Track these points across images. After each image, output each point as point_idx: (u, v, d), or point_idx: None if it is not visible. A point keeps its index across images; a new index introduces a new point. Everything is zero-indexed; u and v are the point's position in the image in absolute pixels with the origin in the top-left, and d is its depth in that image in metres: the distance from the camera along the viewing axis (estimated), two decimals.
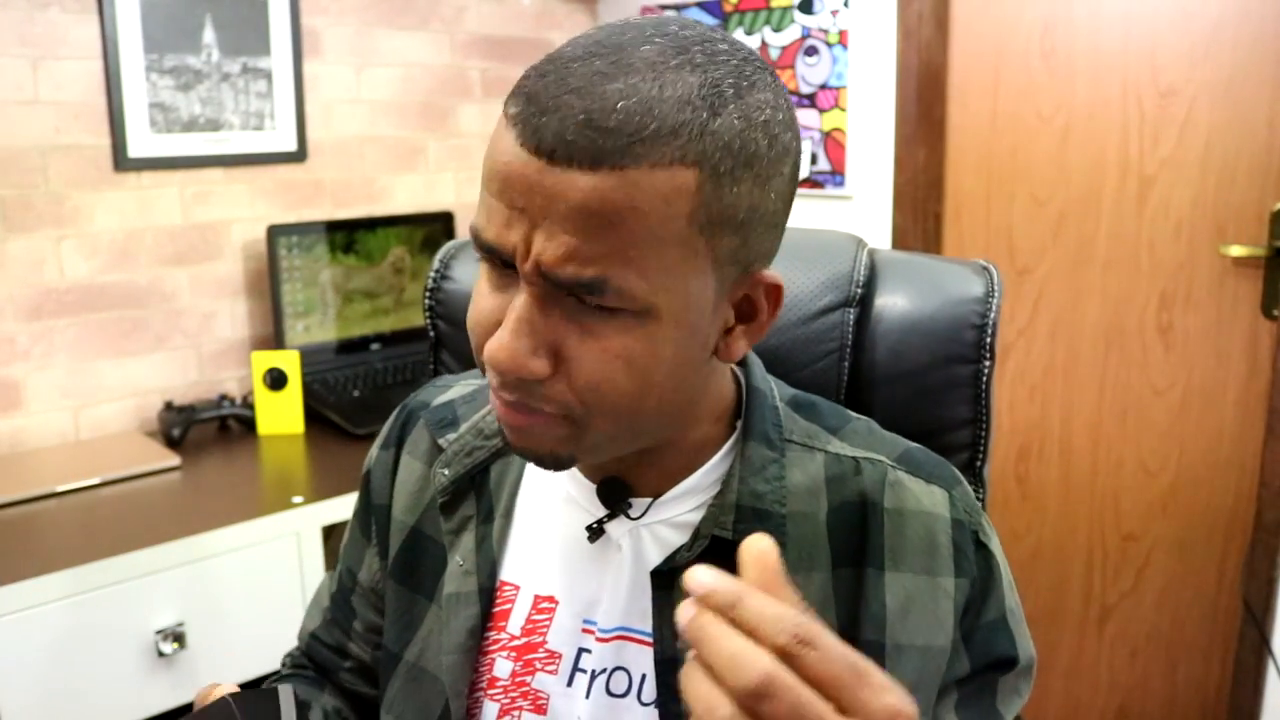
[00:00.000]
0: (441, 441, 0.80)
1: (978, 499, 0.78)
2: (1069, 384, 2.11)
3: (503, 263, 0.59)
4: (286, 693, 0.65)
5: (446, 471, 0.78)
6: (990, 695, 0.68)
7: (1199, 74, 1.88)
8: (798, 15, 2.25)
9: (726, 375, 0.71)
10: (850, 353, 0.87)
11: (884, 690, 0.41)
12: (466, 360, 1.01)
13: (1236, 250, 1.87)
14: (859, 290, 0.87)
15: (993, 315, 0.84)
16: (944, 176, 2.19)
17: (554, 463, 0.63)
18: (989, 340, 0.84)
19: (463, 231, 2.39)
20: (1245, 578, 1.91)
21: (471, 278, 1.00)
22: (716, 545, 0.67)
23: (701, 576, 0.43)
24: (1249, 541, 1.91)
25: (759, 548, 0.45)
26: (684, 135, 0.54)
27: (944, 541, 0.67)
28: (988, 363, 0.84)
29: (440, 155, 2.38)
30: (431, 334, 1.03)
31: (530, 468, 0.77)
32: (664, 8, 2.49)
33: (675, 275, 0.57)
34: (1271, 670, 1.85)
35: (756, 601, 0.42)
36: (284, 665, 0.94)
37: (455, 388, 0.85)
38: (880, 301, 0.88)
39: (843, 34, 2.20)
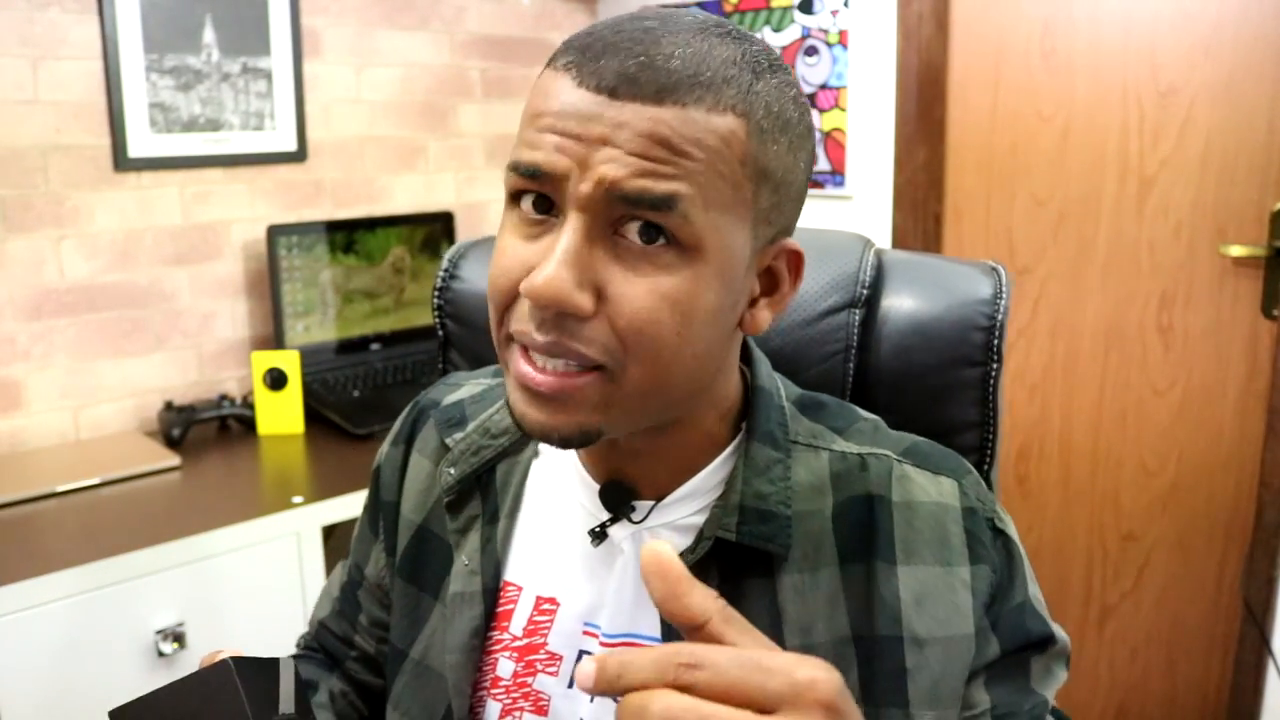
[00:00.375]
0: (449, 441, 0.80)
1: None
2: (1069, 384, 2.11)
3: (539, 205, 0.59)
4: (288, 664, 0.64)
5: (453, 471, 0.78)
6: (1023, 674, 0.68)
7: (1199, 74, 1.88)
8: (798, 15, 2.25)
9: (735, 372, 0.71)
10: (856, 354, 0.86)
11: (792, 669, 0.41)
12: (474, 360, 1.01)
13: (1236, 250, 1.87)
14: (865, 291, 0.86)
15: (1000, 317, 0.83)
16: (944, 176, 2.19)
17: (581, 438, 0.61)
18: (997, 342, 0.83)
19: (463, 231, 2.39)
20: (1245, 578, 1.91)
21: (480, 278, 1.00)
22: (720, 547, 0.66)
23: (584, 669, 0.43)
24: (1249, 541, 1.91)
25: (655, 558, 0.44)
26: (734, 87, 0.57)
27: (955, 530, 0.66)
28: (995, 365, 0.83)
29: (440, 155, 2.38)
30: (440, 333, 1.03)
31: (536, 468, 0.77)
32: (664, 7, 2.49)
33: (726, 215, 0.58)
34: (1271, 670, 1.85)
35: (632, 659, 0.42)
36: (297, 647, 0.96)
37: (466, 386, 0.85)
38: (887, 302, 0.86)
39: (843, 34, 2.20)
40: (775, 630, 0.66)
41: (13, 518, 1.56)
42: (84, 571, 1.40)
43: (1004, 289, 0.84)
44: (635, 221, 0.57)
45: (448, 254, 1.03)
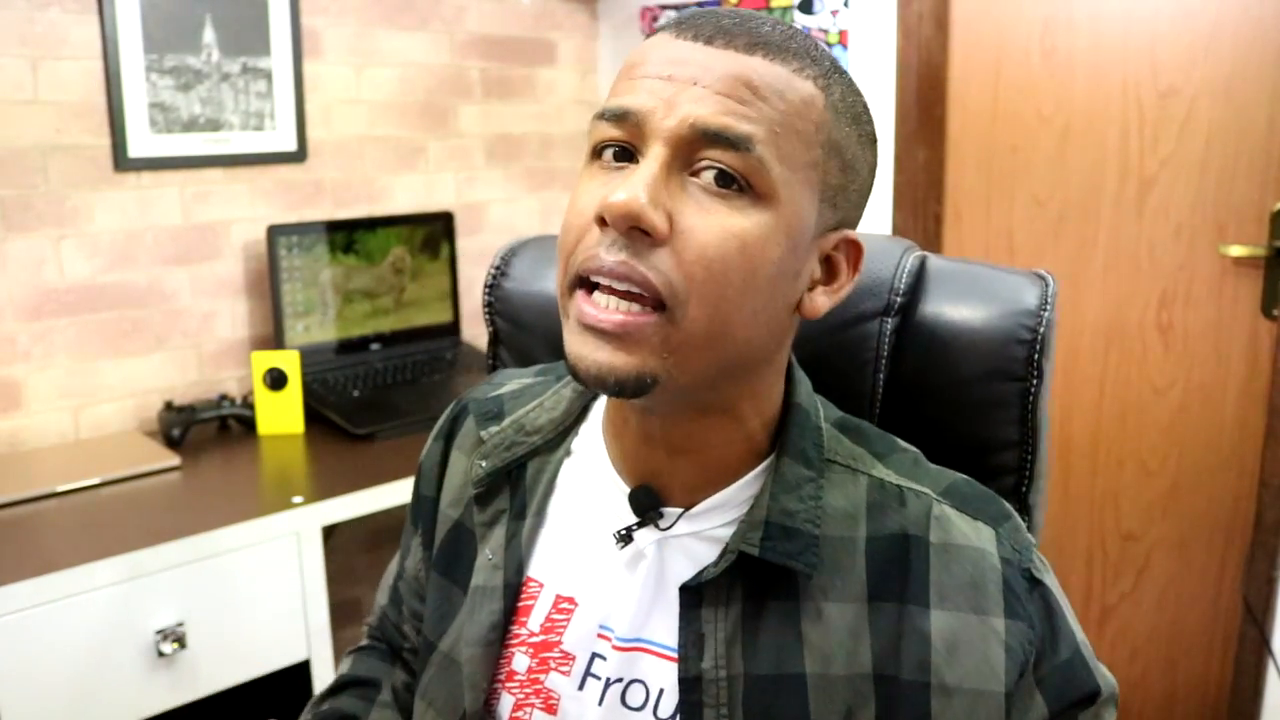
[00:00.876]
0: (483, 434, 0.80)
1: (1025, 524, 0.74)
2: (1069, 383, 2.11)
3: (619, 156, 0.61)
4: None
5: (484, 463, 0.78)
6: None
7: (1199, 74, 1.88)
8: (798, 15, 2.25)
9: (782, 375, 0.71)
10: (887, 364, 0.80)
11: None
12: (522, 359, 1.01)
13: (1236, 250, 1.87)
14: (899, 299, 0.80)
15: (1044, 330, 0.77)
16: (944, 176, 2.19)
17: (636, 384, 0.59)
18: (1039, 357, 0.77)
19: (463, 232, 2.39)
20: (1245, 578, 1.91)
21: (530, 277, 1.00)
22: (746, 564, 0.66)
23: None
24: (1249, 541, 1.91)
25: None
26: (817, 66, 0.63)
27: (993, 579, 0.64)
28: (1036, 381, 0.77)
29: (440, 155, 2.38)
30: (490, 330, 1.03)
31: (566, 468, 0.77)
32: (664, 7, 2.49)
33: (798, 175, 0.60)
34: (1271, 670, 1.85)
35: None
36: (364, 635, 0.96)
37: (509, 385, 0.85)
38: (923, 310, 0.81)
39: (843, 34, 2.20)
40: (795, 654, 0.65)
41: (13, 518, 1.56)
42: (84, 571, 1.40)
43: (1049, 300, 0.78)
44: (712, 169, 0.59)
45: (499, 251, 1.02)
